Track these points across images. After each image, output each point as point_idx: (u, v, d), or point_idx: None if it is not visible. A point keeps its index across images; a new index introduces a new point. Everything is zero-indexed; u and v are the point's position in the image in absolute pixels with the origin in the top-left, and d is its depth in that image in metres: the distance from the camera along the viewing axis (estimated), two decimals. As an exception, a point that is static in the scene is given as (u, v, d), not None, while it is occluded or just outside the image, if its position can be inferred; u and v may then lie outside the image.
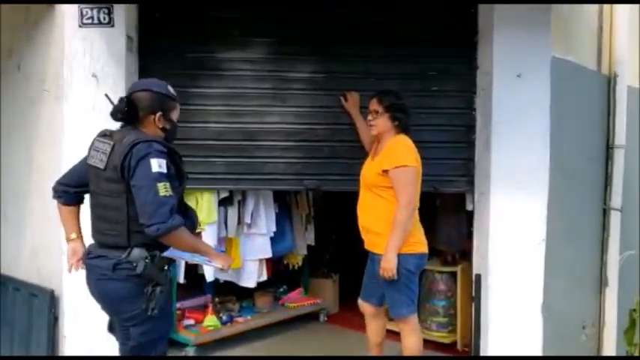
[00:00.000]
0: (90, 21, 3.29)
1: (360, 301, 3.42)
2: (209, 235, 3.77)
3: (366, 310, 3.39)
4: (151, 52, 3.56)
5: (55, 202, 2.58)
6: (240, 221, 3.97)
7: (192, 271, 3.99)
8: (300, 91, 3.64)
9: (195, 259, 2.41)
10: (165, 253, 2.33)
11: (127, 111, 2.35)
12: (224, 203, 3.88)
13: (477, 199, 3.68)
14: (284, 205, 4.43)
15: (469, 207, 3.79)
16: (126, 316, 2.36)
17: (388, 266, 2.98)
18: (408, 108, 3.25)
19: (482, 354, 3.62)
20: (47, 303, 3.40)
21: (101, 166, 2.32)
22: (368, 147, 3.48)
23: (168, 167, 2.30)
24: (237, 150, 3.62)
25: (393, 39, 3.61)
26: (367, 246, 3.23)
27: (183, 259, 2.39)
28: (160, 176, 2.23)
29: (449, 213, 4.46)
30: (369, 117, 3.25)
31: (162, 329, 2.43)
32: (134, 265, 2.26)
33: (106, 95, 2.41)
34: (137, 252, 2.28)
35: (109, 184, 2.32)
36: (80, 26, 3.28)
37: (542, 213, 3.51)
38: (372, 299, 3.33)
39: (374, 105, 3.22)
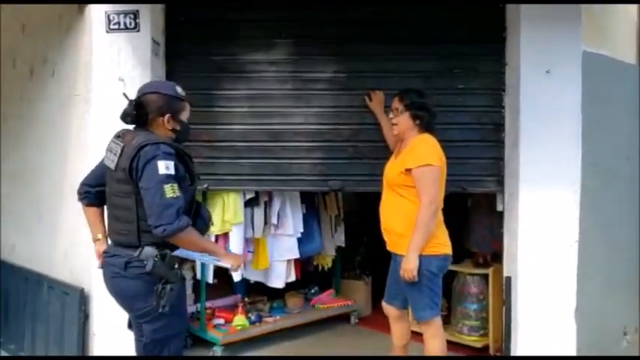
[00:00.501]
0: (117, 26, 3.37)
1: (383, 304, 3.38)
2: (235, 236, 3.81)
3: (389, 312, 3.34)
4: (177, 55, 3.63)
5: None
6: (266, 222, 3.99)
7: (223, 271, 4.02)
8: (323, 92, 3.63)
9: (204, 258, 2.42)
10: (175, 253, 2.35)
11: (135, 114, 2.39)
12: (251, 204, 3.91)
13: (507, 199, 3.57)
14: (312, 206, 4.43)
15: (499, 207, 3.69)
16: (139, 313, 2.40)
17: (409, 267, 2.93)
18: (430, 106, 3.18)
19: (513, 359, 3.52)
20: (78, 301, 3.49)
21: (112, 166, 2.38)
22: (392, 146, 3.43)
23: (177, 168, 2.32)
24: (262, 151, 3.64)
25: (417, 36, 3.56)
26: (389, 247, 3.19)
27: (192, 258, 2.42)
28: (167, 178, 2.25)
29: (481, 214, 4.37)
30: (391, 115, 3.22)
31: (175, 327, 2.45)
32: (145, 263, 2.30)
33: (124, 94, 2.45)
34: (148, 251, 2.32)
35: (119, 185, 2.38)
36: (107, 32, 3.37)
37: (575, 214, 3.38)
38: (395, 302, 3.28)
39: (395, 103, 3.19)
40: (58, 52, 3.78)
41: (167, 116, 2.43)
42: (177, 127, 2.47)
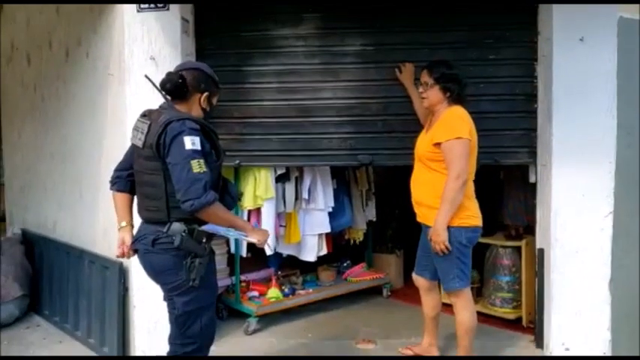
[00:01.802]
0: (147, 5, 3.41)
1: (414, 276, 3.42)
2: (267, 211, 3.87)
3: (420, 284, 3.38)
4: (207, 33, 3.65)
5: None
6: (297, 197, 4.03)
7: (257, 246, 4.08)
8: (352, 65, 3.62)
9: (230, 233, 2.47)
10: (203, 228, 2.41)
11: (180, 83, 2.44)
12: (282, 179, 3.95)
13: (539, 171, 3.53)
14: (343, 180, 4.46)
15: (532, 179, 3.65)
16: (169, 287, 2.49)
17: (438, 239, 2.95)
18: (461, 78, 3.15)
19: (545, 331, 3.52)
20: (117, 275, 3.62)
21: (139, 144, 2.44)
22: (423, 119, 3.42)
23: (202, 144, 2.37)
24: (292, 127, 3.67)
25: (446, 7, 3.51)
26: (420, 219, 3.21)
27: (219, 233, 2.46)
28: (194, 153, 2.30)
29: (514, 186, 4.32)
30: (420, 89, 3.20)
31: (205, 299, 2.53)
32: (173, 239, 2.37)
33: (146, 76, 2.51)
34: (176, 226, 2.39)
35: (147, 162, 2.44)
36: (138, 11, 3.41)
37: (609, 185, 3.32)
38: (425, 273, 3.31)
39: (424, 77, 3.16)
40: (92, 33, 3.86)
41: (205, 94, 2.51)
42: (208, 109, 2.54)
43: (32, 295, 4.60)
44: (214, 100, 2.60)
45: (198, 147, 2.33)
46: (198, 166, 2.29)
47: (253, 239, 2.49)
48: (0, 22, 5.38)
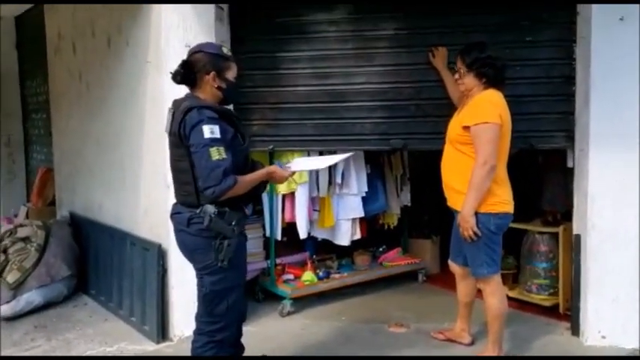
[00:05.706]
0: (183, -7, 3.49)
1: (449, 262, 3.43)
2: (301, 195, 3.94)
3: (454, 270, 3.39)
4: (242, 20, 3.72)
5: (163, 165, 2.78)
6: (331, 181, 4.07)
7: (294, 229, 4.15)
8: (385, 50, 3.63)
9: None
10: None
11: (182, 72, 2.51)
12: (316, 164, 3.99)
13: (577, 155, 3.46)
14: (377, 165, 4.46)
15: (569, 164, 3.58)
16: (199, 266, 2.58)
17: (465, 225, 2.94)
18: (496, 61, 3.09)
19: (582, 319, 3.47)
20: (156, 256, 3.74)
21: (167, 132, 2.54)
22: (457, 103, 3.39)
23: (225, 131, 2.42)
24: (325, 112, 3.71)
25: (481, -11, 3.46)
26: (449, 203, 3.20)
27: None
28: (212, 141, 2.36)
29: (553, 171, 4.23)
30: (456, 75, 3.16)
31: (233, 280, 2.59)
32: (204, 219, 2.45)
33: (170, 72, 2.58)
34: (207, 208, 2.47)
35: (175, 149, 2.53)
36: (173, -1, 3.50)
37: (648, 171, 3.24)
38: (458, 259, 3.31)
39: (458, 63, 3.12)
40: (131, 21, 3.95)
41: (212, 74, 2.51)
42: (224, 86, 2.55)
43: (80, 275, 4.80)
44: (229, 75, 2.57)
45: (217, 135, 2.38)
46: (217, 153, 2.35)
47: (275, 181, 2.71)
48: (47, 13, 5.58)
